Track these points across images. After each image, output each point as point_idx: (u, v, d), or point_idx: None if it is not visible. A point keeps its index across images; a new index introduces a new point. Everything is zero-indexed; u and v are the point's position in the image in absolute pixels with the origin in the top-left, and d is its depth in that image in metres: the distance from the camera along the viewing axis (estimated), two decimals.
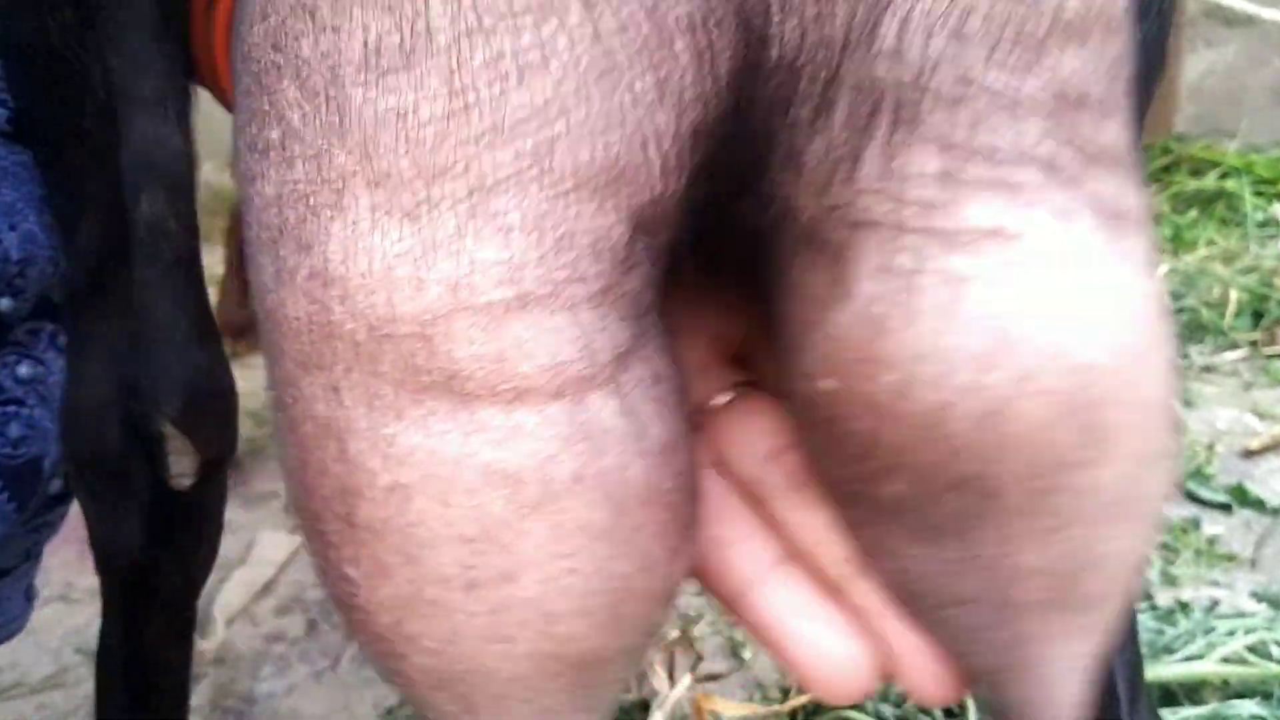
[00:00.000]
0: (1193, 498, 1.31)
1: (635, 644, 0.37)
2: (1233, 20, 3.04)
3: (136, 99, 0.50)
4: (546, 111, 0.31)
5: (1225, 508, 1.29)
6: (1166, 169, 2.20)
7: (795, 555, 0.42)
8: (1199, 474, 1.33)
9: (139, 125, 0.50)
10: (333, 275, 0.32)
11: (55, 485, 0.63)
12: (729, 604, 0.42)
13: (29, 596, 0.70)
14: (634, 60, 0.32)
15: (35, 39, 0.54)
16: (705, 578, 0.42)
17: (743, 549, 0.41)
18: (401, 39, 0.31)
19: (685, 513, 0.37)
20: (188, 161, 0.52)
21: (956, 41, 0.32)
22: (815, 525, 0.41)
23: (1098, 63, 0.34)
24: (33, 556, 0.67)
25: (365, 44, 0.31)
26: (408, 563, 0.33)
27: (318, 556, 0.35)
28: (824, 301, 0.35)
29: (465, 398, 0.32)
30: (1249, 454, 1.41)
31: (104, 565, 0.64)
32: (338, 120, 0.32)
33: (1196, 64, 2.98)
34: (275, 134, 0.33)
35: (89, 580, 1.20)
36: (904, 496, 0.35)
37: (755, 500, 0.42)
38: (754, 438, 0.42)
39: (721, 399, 0.44)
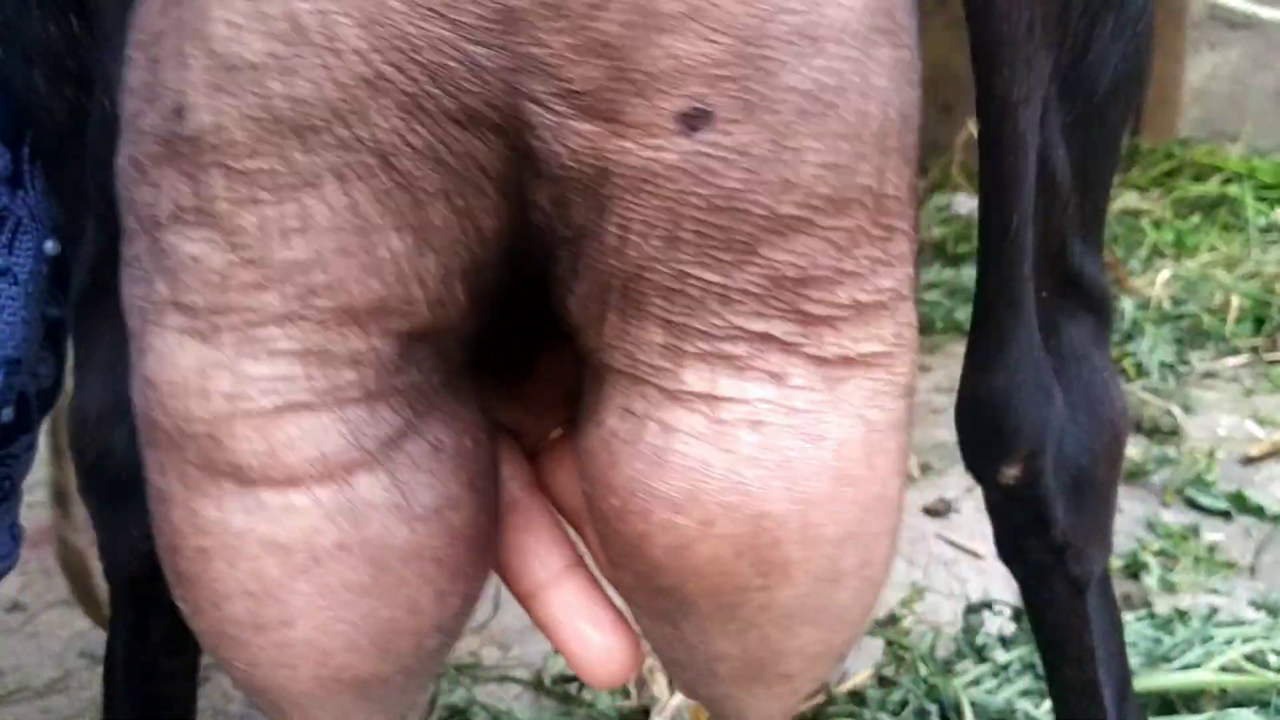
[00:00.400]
0: (1192, 504, 1.31)
1: (415, 665, 0.44)
2: (1235, 23, 3.04)
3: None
4: (308, 265, 0.38)
5: (1225, 514, 1.29)
6: (1169, 174, 2.20)
7: (581, 563, 0.49)
8: (1199, 480, 1.33)
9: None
10: (152, 379, 0.40)
11: (5, 414, 0.63)
12: (522, 601, 0.49)
13: (14, 535, 0.70)
14: (391, 221, 0.38)
15: (39, 47, 0.54)
16: (504, 576, 0.49)
17: (539, 555, 0.49)
18: (197, 201, 0.37)
19: (459, 560, 0.43)
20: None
21: (670, 245, 0.37)
22: None
23: (829, 243, 0.38)
24: (8, 494, 0.67)
25: (174, 201, 0.38)
26: (212, 607, 0.41)
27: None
28: (589, 415, 0.42)
29: (248, 482, 0.39)
30: (1249, 460, 1.41)
31: (111, 570, 0.64)
32: (159, 256, 0.39)
33: (1200, 67, 2.98)
34: (131, 253, 0.41)
35: None
36: (629, 586, 0.44)
37: (569, 517, 0.50)
38: (572, 472, 0.48)
39: (554, 434, 0.51)
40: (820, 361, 0.39)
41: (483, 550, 0.45)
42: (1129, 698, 0.76)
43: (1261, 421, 1.50)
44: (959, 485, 1.35)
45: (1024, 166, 0.54)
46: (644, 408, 0.40)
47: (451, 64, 0.36)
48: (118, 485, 0.57)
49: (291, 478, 0.39)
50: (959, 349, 1.79)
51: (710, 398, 0.39)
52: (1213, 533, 1.26)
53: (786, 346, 0.39)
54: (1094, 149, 0.59)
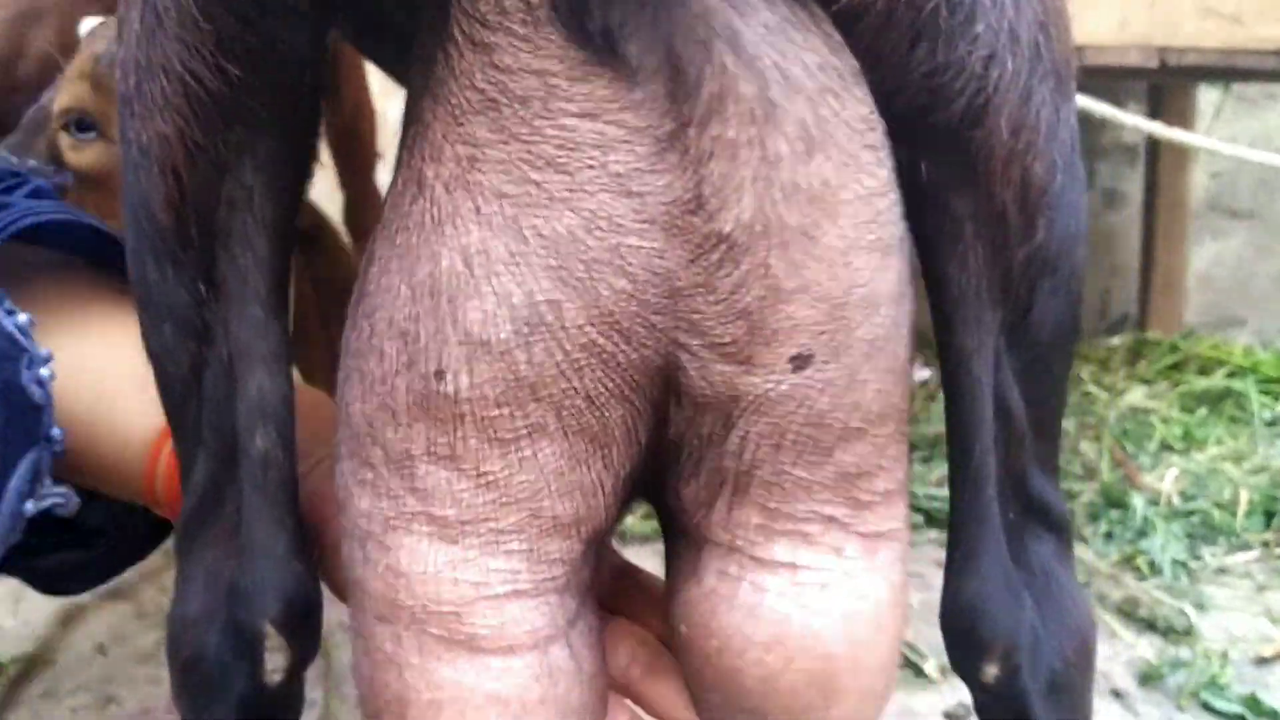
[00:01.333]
0: (1208, 708, 1.33)
1: None
2: (1238, 211, 3.15)
3: (255, 357, 0.62)
4: (536, 487, 0.52)
5: (1240, 719, 1.31)
6: (1175, 367, 2.26)
7: None
8: (1213, 683, 1.35)
9: (256, 378, 0.62)
10: (402, 570, 0.53)
11: None
12: None
13: None
14: (593, 449, 0.53)
15: (170, 308, 0.64)
16: None
17: None
18: (449, 441, 0.51)
19: (602, 712, 0.59)
20: (292, 405, 0.63)
21: (775, 450, 0.54)
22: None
23: (875, 447, 0.55)
24: None
25: (428, 440, 0.52)
26: None
27: None
28: (688, 575, 0.58)
29: (479, 650, 0.53)
30: (1262, 661, 1.44)
31: None
32: (409, 479, 0.53)
33: (1203, 255, 3.08)
34: (369, 475, 0.54)
35: None
36: (717, 705, 0.59)
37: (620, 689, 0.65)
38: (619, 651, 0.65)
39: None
40: (864, 536, 0.56)
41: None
42: None
43: (1274, 620, 1.53)
44: None
45: (981, 405, 0.64)
46: (738, 571, 0.56)
47: (638, 328, 0.51)
48: (209, 683, 0.67)
49: (511, 647, 0.53)
50: None
51: (792, 566, 0.55)
52: None
53: (844, 526, 0.55)
54: (1042, 391, 0.69)
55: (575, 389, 0.51)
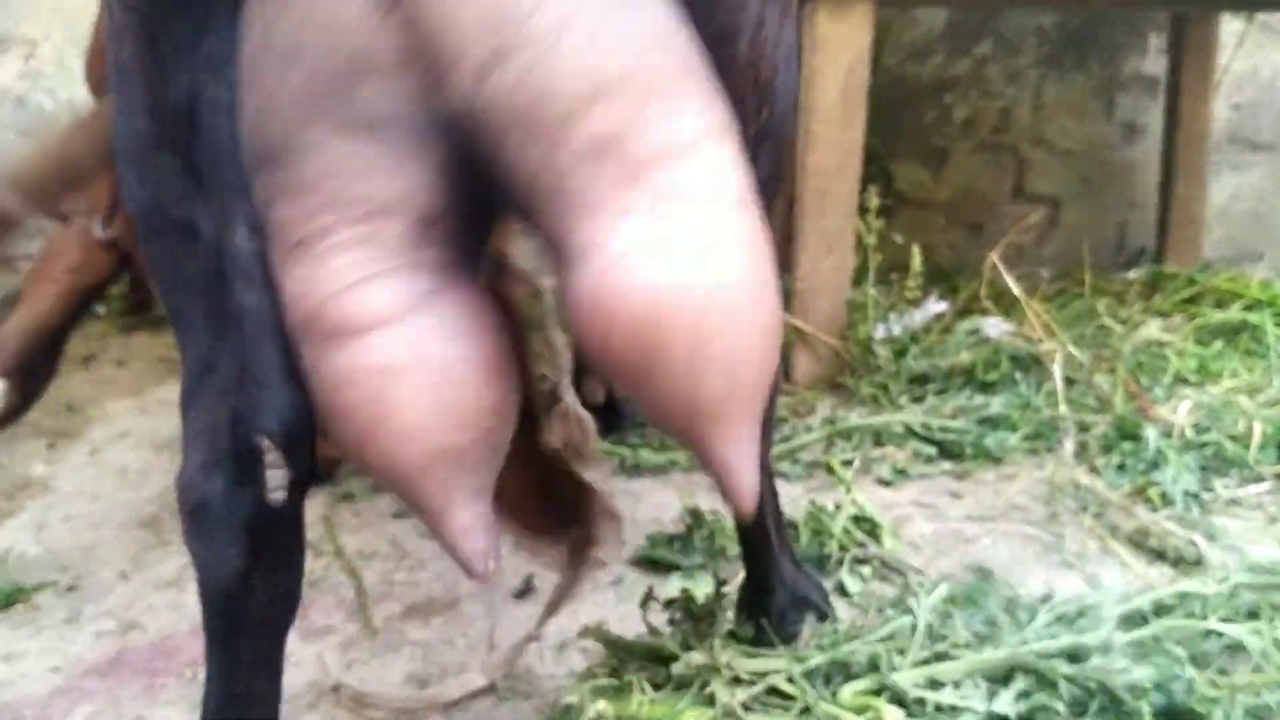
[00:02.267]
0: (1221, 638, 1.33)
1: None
2: (1258, 144, 3.12)
3: (235, 222, 0.73)
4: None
5: None
6: (1191, 300, 2.25)
7: None
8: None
9: (235, 240, 0.73)
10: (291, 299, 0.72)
11: None
12: None
13: None
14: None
15: (161, 211, 0.77)
16: None
17: None
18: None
19: (503, 365, 0.73)
20: (264, 261, 0.74)
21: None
22: None
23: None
24: None
25: None
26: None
27: None
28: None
29: (349, 333, 0.69)
30: None
31: (208, 595, 0.81)
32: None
33: (1222, 188, 3.06)
34: None
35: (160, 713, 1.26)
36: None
37: None
38: None
39: None
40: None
41: None
42: (783, 526, 1.24)
43: None
44: None
45: None
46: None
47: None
48: (217, 519, 0.77)
49: (374, 324, 0.68)
50: (989, 476, 1.83)
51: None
52: None
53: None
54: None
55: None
